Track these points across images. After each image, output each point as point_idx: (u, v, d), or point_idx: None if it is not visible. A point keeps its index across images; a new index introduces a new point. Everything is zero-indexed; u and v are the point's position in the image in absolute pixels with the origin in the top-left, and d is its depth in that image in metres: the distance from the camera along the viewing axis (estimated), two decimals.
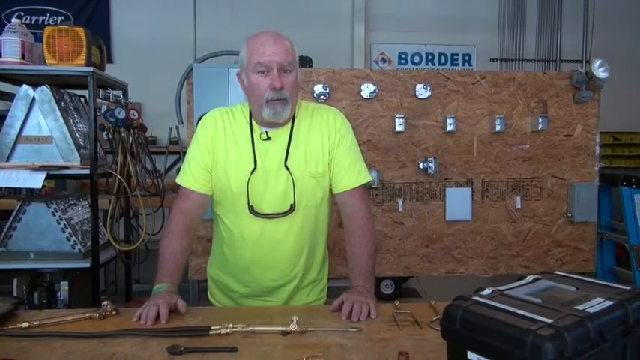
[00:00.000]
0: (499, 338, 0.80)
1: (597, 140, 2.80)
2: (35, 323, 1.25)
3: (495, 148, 2.78)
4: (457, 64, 7.34)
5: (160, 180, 2.78)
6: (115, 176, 2.57)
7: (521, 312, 0.83)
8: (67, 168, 2.41)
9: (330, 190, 1.61)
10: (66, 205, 2.55)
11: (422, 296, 4.38)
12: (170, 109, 2.83)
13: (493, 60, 7.30)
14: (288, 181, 1.52)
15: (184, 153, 1.66)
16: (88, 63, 2.43)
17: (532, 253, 2.82)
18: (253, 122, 1.55)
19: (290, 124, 1.54)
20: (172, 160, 4.47)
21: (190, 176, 1.55)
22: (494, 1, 7.28)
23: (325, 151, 1.56)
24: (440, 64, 7.31)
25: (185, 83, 2.70)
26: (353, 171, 1.57)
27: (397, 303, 1.42)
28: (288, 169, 1.51)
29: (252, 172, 1.51)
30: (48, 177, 2.38)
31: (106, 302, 1.35)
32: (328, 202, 1.63)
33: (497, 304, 0.87)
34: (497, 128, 2.70)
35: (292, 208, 1.52)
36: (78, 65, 2.42)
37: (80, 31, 2.42)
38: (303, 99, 1.68)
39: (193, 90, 2.65)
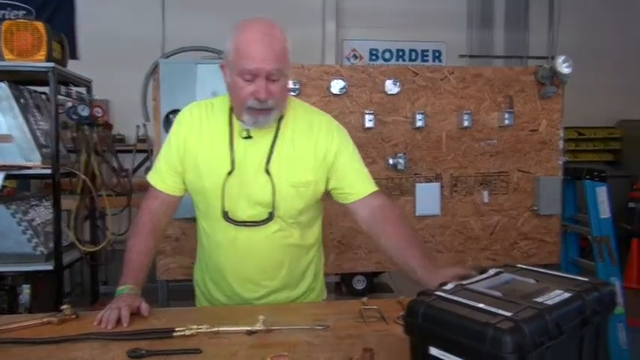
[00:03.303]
0: (460, 333, 0.80)
1: (561, 135, 2.86)
2: None
3: (463, 143, 2.81)
4: (427, 60, 7.40)
5: (126, 179, 2.72)
6: (79, 175, 2.50)
7: (481, 306, 0.84)
8: (28, 168, 2.34)
9: (316, 202, 1.50)
10: (27, 206, 2.47)
11: (394, 291, 4.42)
12: (138, 106, 2.76)
13: (462, 56, 7.39)
14: (267, 187, 1.39)
15: (152, 151, 1.60)
16: (49, 58, 2.36)
17: (499, 246, 2.87)
18: (234, 118, 1.41)
19: (276, 123, 1.41)
20: (141, 158, 4.36)
21: (159, 176, 1.49)
22: None
23: (318, 161, 1.43)
24: (410, 60, 7.36)
25: (151, 79, 2.64)
26: (365, 177, 1.49)
27: (365, 299, 1.43)
28: (269, 173, 1.39)
29: (229, 174, 1.39)
30: (8, 177, 2.31)
31: (65, 306, 1.31)
32: (314, 212, 1.53)
33: (459, 299, 0.88)
34: (465, 123, 2.73)
35: (271, 216, 1.41)
36: (38, 61, 2.35)
37: (40, 25, 2.35)
38: None
39: (160, 86, 2.59)
